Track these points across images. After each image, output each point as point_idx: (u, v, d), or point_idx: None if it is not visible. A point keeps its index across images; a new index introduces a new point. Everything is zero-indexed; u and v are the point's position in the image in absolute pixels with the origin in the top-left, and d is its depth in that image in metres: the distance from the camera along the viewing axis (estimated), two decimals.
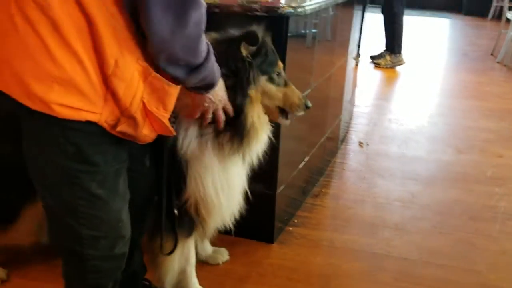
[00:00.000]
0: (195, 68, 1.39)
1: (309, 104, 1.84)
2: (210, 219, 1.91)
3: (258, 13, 2.08)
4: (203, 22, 1.33)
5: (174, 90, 1.43)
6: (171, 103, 1.45)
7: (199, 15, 1.30)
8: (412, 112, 4.60)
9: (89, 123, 1.33)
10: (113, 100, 1.33)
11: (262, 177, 2.13)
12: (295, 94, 1.82)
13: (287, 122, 1.88)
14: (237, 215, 1.99)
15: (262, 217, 2.46)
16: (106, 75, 1.30)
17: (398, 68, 5.97)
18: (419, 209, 2.91)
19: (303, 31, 2.48)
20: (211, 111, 1.62)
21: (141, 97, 1.36)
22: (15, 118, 1.41)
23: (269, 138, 1.87)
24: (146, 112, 1.40)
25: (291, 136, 2.50)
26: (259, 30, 1.73)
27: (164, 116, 1.44)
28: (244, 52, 1.67)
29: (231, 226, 2.01)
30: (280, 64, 1.79)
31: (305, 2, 2.29)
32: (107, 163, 1.42)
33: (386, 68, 5.93)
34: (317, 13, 2.51)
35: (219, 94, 1.60)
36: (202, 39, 1.36)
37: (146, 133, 1.44)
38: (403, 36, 5.86)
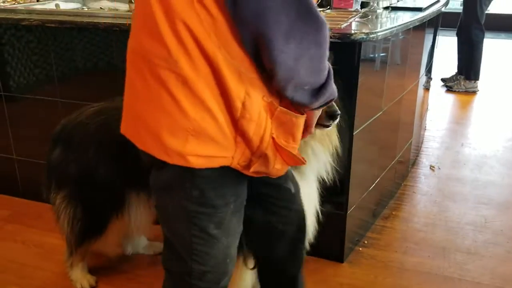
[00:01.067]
0: (319, 89, 1.34)
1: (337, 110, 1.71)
2: None
3: (331, 39, 2.16)
4: (326, 42, 1.28)
5: (301, 121, 1.41)
6: (300, 133, 1.43)
7: (320, 36, 1.25)
8: (486, 136, 4.48)
9: (217, 168, 1.34)
10: (244, 141, 1.33)
11: (334, 198, 2.20)
12: None
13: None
14: (309, 238, 2.01)
15: (333, 236, 2.52)
16: (235, 119, 1.30)
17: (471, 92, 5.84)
18: (492, 234, 2.85)
19: (373, 56, 2.54)
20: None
21: (270, 133, 1.35)
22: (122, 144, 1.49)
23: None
24: (276, 147, 1.38)
25: (361, 158, 2.55)
26: None
27: (294, 148, 1.42)
28: None
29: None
30: None
31: (376, 27, 2.35)
32: (226, 206, 1.43)
33: (459, 92, 5.82)
34: (387, 37, 2.56)
35: None
36: (325, 58, 1.31)
37: (278, 168, 1.43)
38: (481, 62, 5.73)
